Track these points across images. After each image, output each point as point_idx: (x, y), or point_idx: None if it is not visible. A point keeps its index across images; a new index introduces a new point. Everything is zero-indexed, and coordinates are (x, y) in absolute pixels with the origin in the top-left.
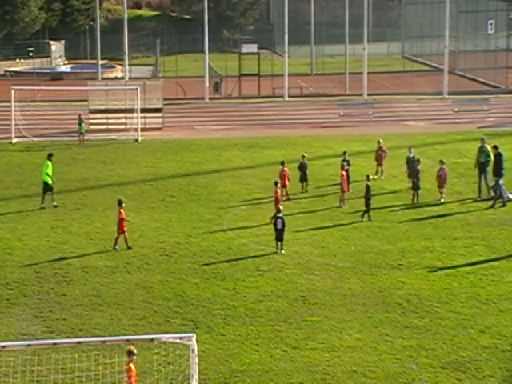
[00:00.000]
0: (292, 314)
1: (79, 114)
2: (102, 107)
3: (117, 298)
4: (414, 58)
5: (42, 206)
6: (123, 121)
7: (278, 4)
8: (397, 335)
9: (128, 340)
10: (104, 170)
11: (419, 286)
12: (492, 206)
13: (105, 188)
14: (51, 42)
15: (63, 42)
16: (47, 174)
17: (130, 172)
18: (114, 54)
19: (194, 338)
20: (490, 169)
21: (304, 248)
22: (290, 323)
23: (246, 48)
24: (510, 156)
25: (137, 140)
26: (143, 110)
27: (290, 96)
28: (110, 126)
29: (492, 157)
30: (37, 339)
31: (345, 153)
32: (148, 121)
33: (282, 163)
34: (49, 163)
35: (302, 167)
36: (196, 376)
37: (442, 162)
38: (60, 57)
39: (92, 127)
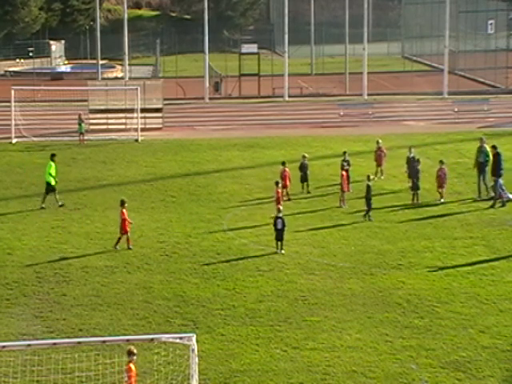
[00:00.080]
0: (292, 314)
1: (79, 114)
2: (102, 107)
3: (117, 298)
4: (414, 58)
5: (43, 205)
6: (123, 121)
7: (277, 4)
8: (397, 335)
9: (128, 340)
10: (104, 170)
11: (419, 286)
12: (492, 206)
13: (105, 188)
14: (51, 42)
15: (63, 42)
16: (50, 175)
17: (129, 172)
18: (114, 54)
19: (193, 338)
20: (488, 169)
21: (304, 248)
22: (290, 323)
23: (246, 48)
24: (510, 156)
25: (137, 140)
26: (143, 110)
27: (289, 96)
28: (110, 126)
29: (491, 157)
30: (37, 339)
31: (345, 153)
32: (148, 121)
33: (283, 163)
34: (52, 163)
35: (303, 167)
36: (196, 376)
37: (441, 162)
38: (60, 57)
39: (92, 127)
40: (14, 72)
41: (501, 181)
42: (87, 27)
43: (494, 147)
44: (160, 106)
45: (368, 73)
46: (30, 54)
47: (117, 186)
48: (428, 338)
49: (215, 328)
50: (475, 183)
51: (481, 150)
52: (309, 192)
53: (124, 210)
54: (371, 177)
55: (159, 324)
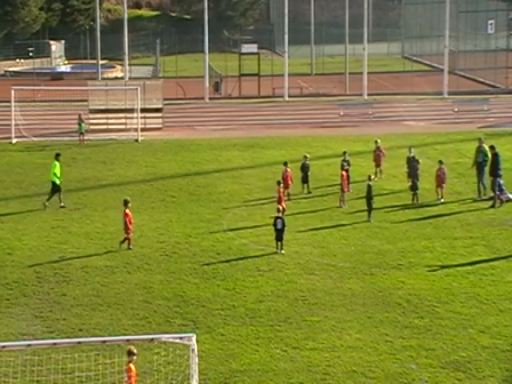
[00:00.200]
0: (292, 314)
1: (79, 114)
2: (102, 107)
3: (117, 298)
4: (414, 58)
5: (47, 204)
6: (123, 121)
7: (278, 4)
8: (397, 335)
9: (128, 340)
10: (104, 170)
11: (419, 286)
12: (492, 206)
13: (105, 188)
14: (51, 42)
15: (63, 42)
16: (55, 175)
17: (130, 172)
18: (114, 54)
19: (193, 338)
20: (487, 169)
21: (304, 248)
22: (290, 323)
23: (246, 48)
24: (510, 156)
25: (137, 140)
26: (143, 110)
27: (289, 96)
28: (110, 126)
29: (490, 156)
30: (37, 339)
31: (345, 153)
32: (148, 121)
33: (285, 163)
34: (56, 163)
35: (304, 168)
36: (196, 376)
37: (440, 162)
38: (60, 57)
39: (92, 127)
40: (14, 72)
41: (501, 181)
42: (87, 27)
43: (492, 147)
44: (160, 106)
45: (368, 73)
46: (30, 54)
47: (117, 186)
48: (428, 338)
49: (215, 328)
50: (475, 183)
51: (479, 150)
52: (309, 192)
53: (127, 210)
54: (372, 177)
55: (159, 324)
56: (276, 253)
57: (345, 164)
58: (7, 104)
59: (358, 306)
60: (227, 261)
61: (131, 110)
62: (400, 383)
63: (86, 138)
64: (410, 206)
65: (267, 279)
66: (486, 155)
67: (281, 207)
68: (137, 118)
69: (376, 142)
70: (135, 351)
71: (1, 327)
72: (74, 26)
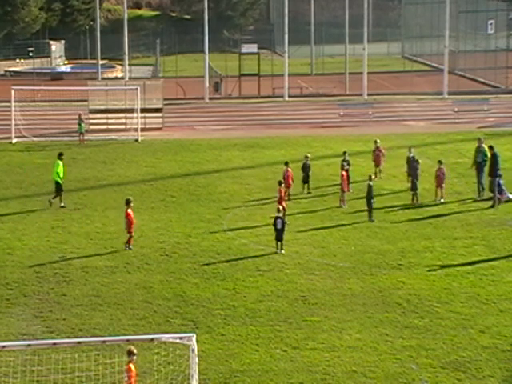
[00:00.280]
0: (292, 314)
1: (79, 114)
2: (102, 107)
3: (117, 298)
4: (414, 58)
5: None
6: (123, 121)
7: (277, 4)
8: (397, 335)
9: (128, 340)
10: (104, 170)
11: (419, 286)
12: (492, 206)
13: (105, 188)
14: (51, 42)
15: (63, 42)
16: (58, 174)
17: (130, 172)
18: (114, 54)
19: (193, 338)
20: (486, 169)
21: (304, 248)
22: (290, 323)
23: (246, 48)
24: (510, 156)
25: (137, 140)
26: (143, 110)
27: (290, 96)
28: (110, 126)
29: (489, 156)
30: (37, 339)
31: (345, 153)
32: (148, 121)
33: (286, 163)
34: (59, 162)
35: (305, 168)
36: (196, 376)
37: (440, 162)
38: (60, 57)
39: (92, 127)
40: (14, 72)
41: (501, 181)
42: (87, 27)
43: (490, 147)
44: (160, 106)
45: (368, 73)
46: (30, 54)
47: (117, 186)
48: (428, 338)
49: (215, 328)
50: (475, 183)
51: (479, 150)
52: (309, 192)
53: (129, 210)
54: (372, 177)
55: (159, 324)
56: (276, 253)
57: (345, 164)
58: (7, 104)
59: (358, 305)
60: (227, 261)
61: (131, 110)
62: (400, 383)
63: (86, 137)
64: (410, 206)
65: (267, 279)
66: (486, 155)
67: (281, 207)
68: (137, 118)
69: (375, 141)
70: (135, 351)
71: (1, 327)
72: (73, 25)
